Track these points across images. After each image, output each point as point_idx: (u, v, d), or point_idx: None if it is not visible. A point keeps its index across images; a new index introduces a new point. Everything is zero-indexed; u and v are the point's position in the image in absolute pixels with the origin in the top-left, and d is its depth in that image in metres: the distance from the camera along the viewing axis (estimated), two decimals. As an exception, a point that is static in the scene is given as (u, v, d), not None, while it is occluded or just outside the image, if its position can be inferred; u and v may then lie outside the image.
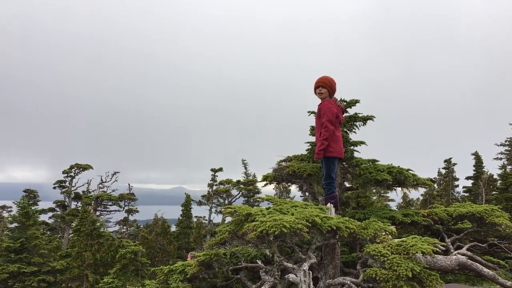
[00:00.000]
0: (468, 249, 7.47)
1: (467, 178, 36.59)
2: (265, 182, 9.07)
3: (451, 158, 39.19)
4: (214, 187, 38.33)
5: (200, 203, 38.28)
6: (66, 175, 36.25)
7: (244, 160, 40.56)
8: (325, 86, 6.87)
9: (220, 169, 39.05)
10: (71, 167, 36.10)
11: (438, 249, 5.31)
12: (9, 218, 29.74)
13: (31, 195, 34.97)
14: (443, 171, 39.76)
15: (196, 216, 37.88)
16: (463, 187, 37.34)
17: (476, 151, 36.12)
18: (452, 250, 7.40)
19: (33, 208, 27.45)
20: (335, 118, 6.72)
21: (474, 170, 36.07)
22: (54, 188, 36.13)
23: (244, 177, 39.77)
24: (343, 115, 7.50)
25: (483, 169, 35.79)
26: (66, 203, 35.81)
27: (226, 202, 37.33)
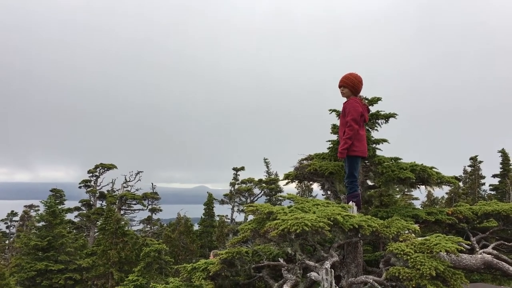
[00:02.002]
0: (494, 248, 7.33)
1: (494, 176, 35.86)
2: (287, 181, 9.07)
3: (477, 156, 38.45)
4: (236, 186, 38.48)
5: (222, 202, 38.49)
6: (91, 174, 36.92)
7: (266, 159, 40.60)
8: (346, 86, 6.79)
9: (242, 168, 39.18)
10: (96, 166, 36.74)
11: (462, 248, 5.24)
12: (37, 217, 30.41)
13: (57, 195, 35.72)
14: (469, 169, 39.03)
15: (218, 215, 38.09)
16: (490, 185, 36.64)
17: (503, 149, 35.35)
18: (477, 249, 7.27)
19: (59, 207, 28.01)
20: (359, 117, 6.64)
21: (501, 168, 35.32)
22: (80, 187, 36.84)
23: (266, 176, 39.79)
24: (368, 114, 7.42)
25: (511, 167, 34.99)
26: (91, 202, 36.46)
27: (248, 201, 37.42)
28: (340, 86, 6.86)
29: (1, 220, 51.07)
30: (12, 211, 50.43)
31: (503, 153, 35.25)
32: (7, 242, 47.68)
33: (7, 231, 50.88)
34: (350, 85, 6.78)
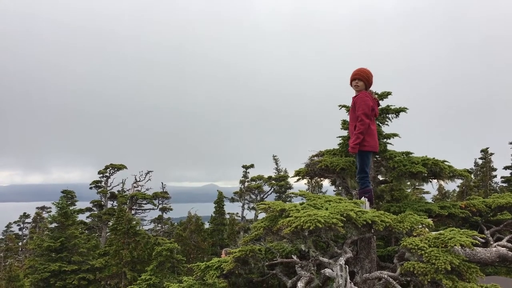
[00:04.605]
0: (508, 241, 7.29)
1: (505, 168, 35.55)
2: (297, 177, 9.06)
3: (488, 148, 38.13)
4: (246, 184, 38.49)
5: (232, 200, 38.52)
6: (101, 175, 37.10)
7: (275, 156, 40.56)
8: (361, 79, 6.73)
9: (252, 166, 39.16)
10: (106, 167, 36.90)
11: (477, 242, 5.21)
12: (49, 219, 30.64)
13: (68, 196, 35.97)
14: (480, 162, 38.71)
15: (229, 213, 38.13)
16: (501, 178, 36.30)
17: (514, 140, 35.01)
18: (491, 242, 7.24)
19: (71, 208, 28.20)
20: (370, 111, 6.58)
21: (512, 160, 35.02)
22: (91, 188, 37.05)
23: (275, 172, 39.76)
24: (378, 107, 7.37)
25: (522, 158, 34.64)
26: (102, 202, 36.65)
27: (258, 198, 37.42)
28: (354, 79, 6.77)
29: (14, 222, 51.60)
30: (25, 213, 50.92)
31: (515, 145, 34.90)
32: (20, 243, 48.17)
33: (20, 233, 51.40)
34: (365, 77, 6.72)
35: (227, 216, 37.16)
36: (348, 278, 5.19)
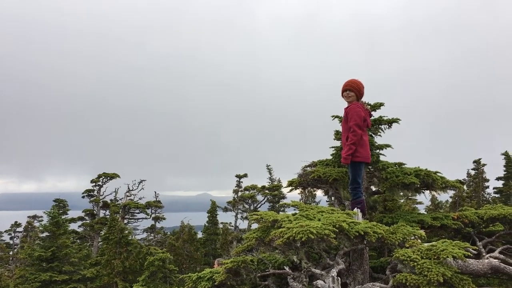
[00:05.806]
0: (500, 252, 7.29)
1: (498, 178, 35.72)
2: (290, 188, 9.04)
3: (480, 159, 38.31)
4: (239, 193, 38.40)
5: (225, 209, 38.41)
6: (94, 184, 36.89)
7: (269, 166, 40.55)
8: (352, 90, 6.76)
9: (245, 175, 39.13)
10: (99, 176, 36.71)
11: (469, 253, 5.21)
12: (40, 228, 30.36)
13: (60, 205, 35.68)
14: (472, 172, 38.87)
15: (222, 222, 37.99)
16: (494, 188, 36.46)
17: (506, 151, 35.23)
18: (484, 254, 7.24)
19: (63, 217, 27.95)
20: (362, 122, 6.61)
21: (504, 171, 35.18)
22: (83, 197, 36.80)
23: (269, 182, 39.71)
24: (370, 118, 7.40)
25: (515, 170, 34.83)
26: (94, 211, 36.40)
27: (252, 207, 37.32)
28: (345, 90, 6.81)
29: (5, 231, 51.11)
30: (16, 222, 50.45)
31: (507, 156, 35.12)
32: (11, 253, 47.65)
33: (11, 242, 50.88)
34: (356, 89, 6.76)
35: (220, 226, 37.03)
36: (340, 290, 5.17)
